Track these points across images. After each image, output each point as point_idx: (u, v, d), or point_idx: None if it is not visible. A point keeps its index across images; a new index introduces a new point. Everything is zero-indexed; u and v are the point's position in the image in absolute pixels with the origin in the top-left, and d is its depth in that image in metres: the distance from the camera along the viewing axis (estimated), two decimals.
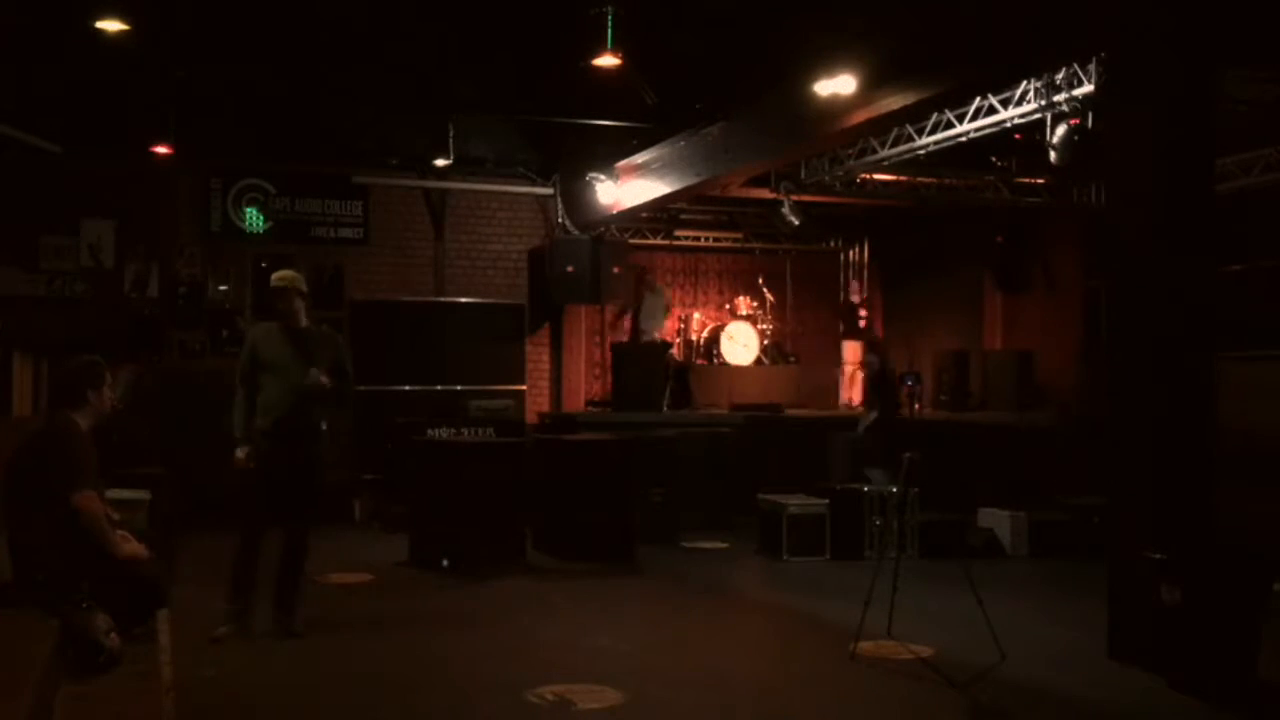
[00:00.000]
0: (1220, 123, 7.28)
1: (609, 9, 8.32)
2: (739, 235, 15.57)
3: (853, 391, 15.36)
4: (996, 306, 14.98)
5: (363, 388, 13.05)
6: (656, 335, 14.50)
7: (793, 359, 15.57)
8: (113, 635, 5.32)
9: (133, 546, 5.73)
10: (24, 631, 5.24)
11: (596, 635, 7.12)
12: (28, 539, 5.54)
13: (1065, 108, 9.22)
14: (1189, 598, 5.86)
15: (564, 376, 14.34)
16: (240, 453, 6.83)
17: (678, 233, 15.34)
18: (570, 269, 13.47)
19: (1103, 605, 6.62)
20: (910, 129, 10.85)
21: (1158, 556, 6.02)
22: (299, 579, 7.06)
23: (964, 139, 10.49)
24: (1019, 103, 9.67)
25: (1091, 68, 8.88)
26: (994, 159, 12.51)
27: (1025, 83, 9.47)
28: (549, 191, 14.19)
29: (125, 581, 5.61)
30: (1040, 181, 12.90)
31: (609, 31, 8.37)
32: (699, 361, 14.92)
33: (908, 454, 7.13)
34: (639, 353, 13.95)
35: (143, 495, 9.53)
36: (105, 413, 5.98)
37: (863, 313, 15.86)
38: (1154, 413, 6.37)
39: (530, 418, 13.94)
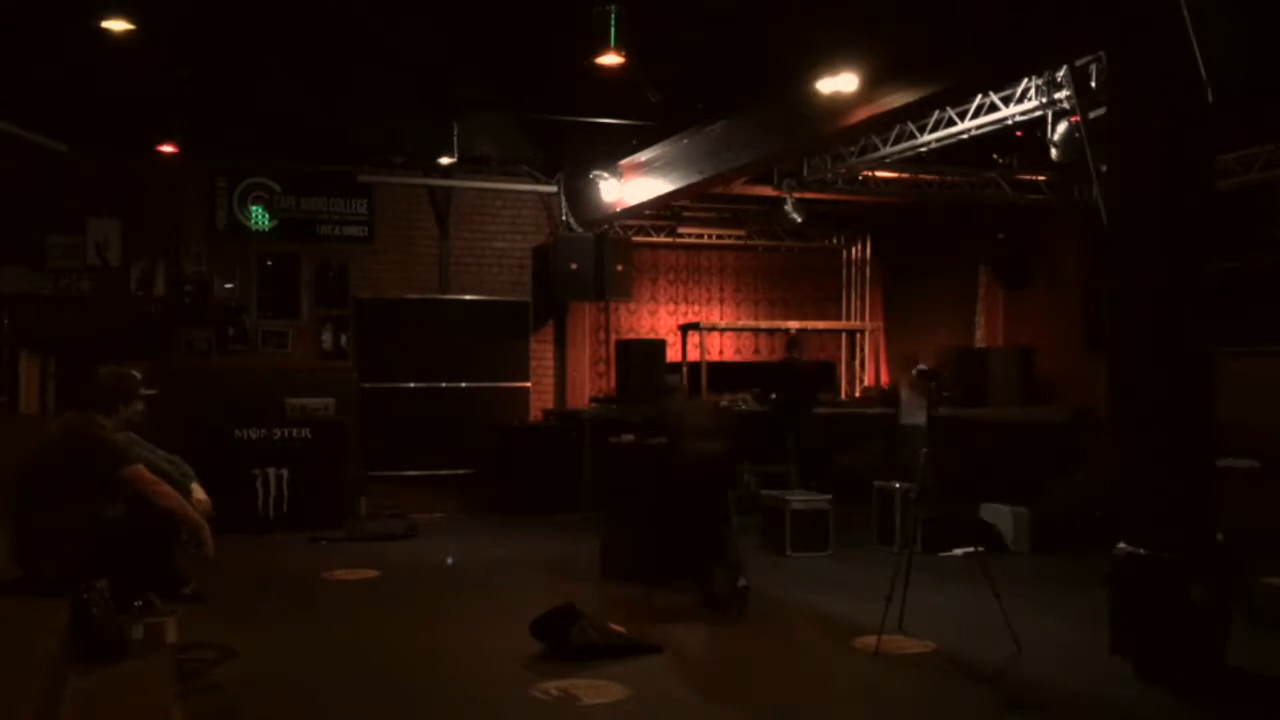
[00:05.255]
0: (1220, 119, 7.30)
1: (612, 7, 8.34)
2: (741, 232, 15.61)
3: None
4: (998, 303, 15.02)
5: (368, 385, 13.28)
6: None
7: None
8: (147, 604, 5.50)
9: (179, 502, 5.86)
10: (33, 622, 5.29)
11: None
12: (43, 528, 5.62)
13: (1066, 105, 9.24)
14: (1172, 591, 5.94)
15: (568, 373, 14.40)
16: None
17: (681, 230, 15.38)
18: (574, 266, 13.53)
19: (1103, 601, 6.66)
20: (912, 126, 10.88)
21: (1156, 554, 6.08)
22: None
23: (965, 136, 10.52)
24: (1020, 100, 9.70)
25: (1093, 65, 8.91)
26: (995, 156, 12.54)
27: (1026, 80, 9.50)
28: (553, 189, 14.24)
29: (160, 542, 5.77)
30: (1041, 178, 12.93)
31: (612, 30, 8.39)
32: None
33: (924, 449, 7.17)
34: (643, 349, 14.00)
35: None
36: (132, 424, 6.08)
37: None
38: (1155, 409, 6.39)
39: (535, 414, 14.02)
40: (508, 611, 7.45)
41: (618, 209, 13.20)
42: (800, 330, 14.93)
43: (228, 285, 13.00)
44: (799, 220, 13.41)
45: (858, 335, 16.20)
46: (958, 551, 9.78)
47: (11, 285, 12.08)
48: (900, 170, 12.69)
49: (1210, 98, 5.84)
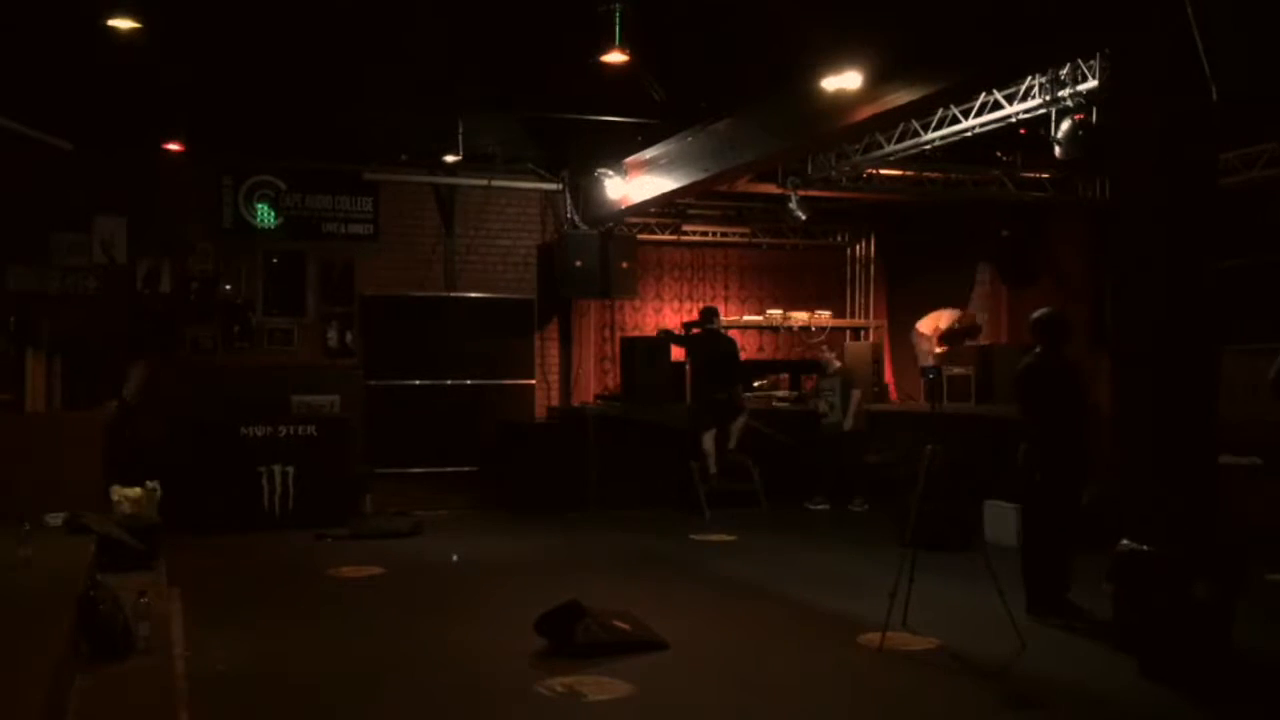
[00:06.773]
0: (1222, 117, 7.31)
1: (617, 6, 8.36)
2: (746, 230, 15.61)
3: None
4: (1002, 300, 15.01)
5: (373, 382, 13.30)
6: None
7: None
8: None
9: None
10: (40, 618, 5.32)
11: None
12: None
13: (1070, 103, 9.26)
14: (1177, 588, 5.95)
15: (574, 370, 14.41)
16: None
17: (685, 228, 15.38)
18: (579, 264, 13.55)
19: (1107, 598, 6.68)
20: (916, 124, 10.90)
21: (1159, 551, 6.09)
22: None
23: (969, 134, 10.53)
24: (1024, 98, 9.71)
25: (1095, 63, 8.92)
26: (999, 154, 12.54)
27: (1030, 78, 9.51)
28: (557, 187, 14.25)
29: None
30: (1045, 176, 12.93)
31: (617, 28, 8.41)
32: None
33: (930, 445, 7.16)
34: (648, 347, 14.01)
35: (153, 486, 9.67)
36: None
37: None
38: (1158, 406, 6.41)
39: (540, 411, 14.04)
40: (512, 608, 7.46)
41: (622, 207, 13.22)
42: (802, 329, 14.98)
43: (227, 287, 12.99)
44: (803, 218, 13.41)
45: (862, 333, 16.20)
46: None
47: (18, 283, 12.10)
48: (904, 168, 12.69)
49: (1214, 96, 5.85)
